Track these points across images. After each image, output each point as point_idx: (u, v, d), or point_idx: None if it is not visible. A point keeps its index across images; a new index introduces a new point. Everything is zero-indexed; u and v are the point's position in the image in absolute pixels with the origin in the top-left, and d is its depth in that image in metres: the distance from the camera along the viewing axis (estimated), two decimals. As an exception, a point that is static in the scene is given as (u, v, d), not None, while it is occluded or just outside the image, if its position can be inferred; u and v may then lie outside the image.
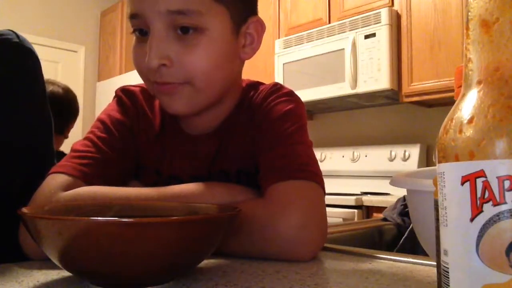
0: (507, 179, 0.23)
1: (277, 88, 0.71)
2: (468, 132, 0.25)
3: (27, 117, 0.72)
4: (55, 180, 0.60)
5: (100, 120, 0.70)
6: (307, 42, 2.65)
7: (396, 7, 2.37)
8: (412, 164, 2.40)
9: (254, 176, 0.65)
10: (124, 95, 0.73)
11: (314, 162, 0.63)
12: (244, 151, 0.68)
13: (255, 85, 0.73)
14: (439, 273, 0.27)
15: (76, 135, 1.65)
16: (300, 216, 0.55)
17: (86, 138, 0.67)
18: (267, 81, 0.75)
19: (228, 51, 0.63)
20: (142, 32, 0.61)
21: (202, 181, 0.63)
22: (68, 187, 0.59)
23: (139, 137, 0.70)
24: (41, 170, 0.66)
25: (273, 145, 0.63)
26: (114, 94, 0.75)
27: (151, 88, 0.64)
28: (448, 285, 0.26)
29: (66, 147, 1.29)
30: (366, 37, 2.38)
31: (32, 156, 0.73)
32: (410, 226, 0.86)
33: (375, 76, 2.32)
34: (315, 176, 0.60)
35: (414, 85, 2.27)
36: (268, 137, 0.65)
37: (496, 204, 0.23)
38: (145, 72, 0.61)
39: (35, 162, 0.73)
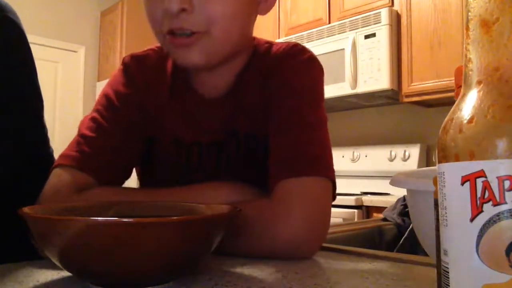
0: (507, 179, 0.23)
1: (297, 50, 0.68)
2: (468, 132, 0.25)
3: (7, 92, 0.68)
4: (64, 177, 0.60)
5: (105, 95, 0.68)
6: (307, 42, 2.64)
7: (396, 7, 2.37)
8: (412, 164, 2.40)
9: (262, 140, 0.65)
10: (132, 63, 0.70)
11: (326, 149, 0.61)
12: (255, 114, 0.67)
13: (267, 43, 0.71)
14: (439, 273, 0.27)
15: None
16: (306, 218, 0.54)
17: (92, 119, 0.66)
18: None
19: (247, 2, 0.62)
20: None
21: (219, 147, 0.64)
22: (78, 185, 0.59)
23: (149, 106, 0.68)
24: (32, 157, 0.64)
25: (285, 127, 0.61)
26: None
27: (163, 42, 0.61)
28: (448, 285, 0.26)
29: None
30: (366, 37, 2.38)
31: (19, 138, 0.69)
32: (410, 226, 0.86)
33: (375, 76, 2.32)
34: (326, 170, 0.59)
35: (414, 85, 2.27)
36: (281, 115, 0.63)
37: (496, 204, 0.23)
38: (160, 20, 0.58)
39: (23, 146, 0.69)
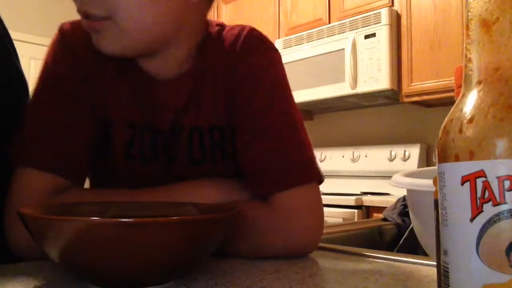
0: (507, 179, 0.23)
1: (256, 44, 0.65)
2: (468, 132, 0.25)
3: None
4: (33, 182, 0.57)
5: (45, 81, 0.62)
6: (307, 42, 2.65)
7: (396, 7, 2.37)
8: (412, 164, 2.40)
9: (228, 133, 0.63)
10: (71, 31, 0.63)
11: (310, 149, 0.62)
12: (218, 104, 0.64)
13: (218, 26, 0.67)
14: (439, 273, 0.27)
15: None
16: (308, 225, 0.58)
17: (38, 107, 0.61)
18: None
19: None
20: None
21: (179, 132, 0.62)
22: (52, 188, 0.57)
23: (93, 81, 0.63)
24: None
25: (261, 132, 0.60)
26: None
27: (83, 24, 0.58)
28: (448, 285, 0.26)
29: None
30: (366, 37, 2.38)
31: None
32: (410, 226, 0.86)
33: (375, 76, 2.32)
34: (314, 173, 0.60)
35: (414, 85, 2.27)
36: (254, 118, 0.61)
37: (496, 204, 0.23)
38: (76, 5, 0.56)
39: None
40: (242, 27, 0.67)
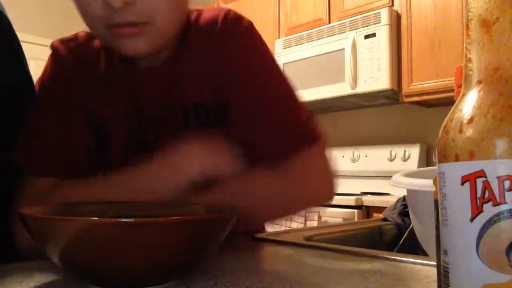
0: (507, 179, 0.23)
1: (233, 26, 0.68)
2: (468, 132, 0.25)
3: None
4: (40, 188, 0.62)
5: (40, 93, 0.68)
6: (307, 42, 2.65)
7: (396, 7, 2.37)
8: (412, 164, 2.40)
9: (214, 111, 0.66)
10: (60, 45, 0.70)
11: (304, 114, 0.67)
12: (202, 82, 0.67)
13: (196, 11, 0.72)
14: (439, 273, 0.27)
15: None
16: (318, 185, 0.66)
17: (37, 119, 0.66)
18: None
19: None
20: None
21: (166, 118, 0.66)
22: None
23: (80, 80, 0.68)
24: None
25: (257, 107, 0.65)
26: None
27: (104, 35, 0.61)
28: (448, 285, 0.26)
29: None
30: (366, 37, 2.38)
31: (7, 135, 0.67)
32: (410, 226, 0.86)
33: (375, 76, 2.32)
34: (315, 134, 0.65)
35: (414, 85, 2.27)
36: (248, 96, 0.65)
37: (496, 204, 0.23)
38: (99, 15, 0.58)
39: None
40: (217, 12, 0.70)
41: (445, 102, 2.27)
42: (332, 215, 2.11)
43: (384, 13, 2.32)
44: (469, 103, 0.26)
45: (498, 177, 0.23)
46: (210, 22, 0.69)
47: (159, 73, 0.68)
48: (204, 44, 0.68)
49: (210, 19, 0.69)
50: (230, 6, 3.24)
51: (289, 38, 2.76)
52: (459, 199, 0.25)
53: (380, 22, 2.33)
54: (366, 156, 2.64)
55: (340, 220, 2.05)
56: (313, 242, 0.70)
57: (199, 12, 0.71)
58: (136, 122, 0.68)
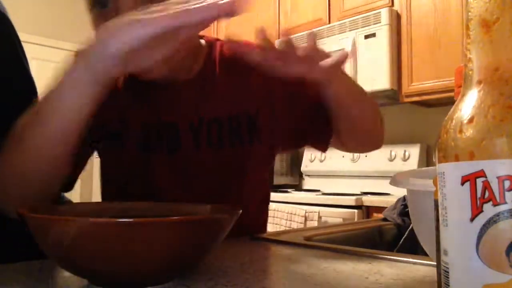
0: (507, 179, 0.23)
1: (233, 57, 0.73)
2: (468, 132, 0.25)
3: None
4: None
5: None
6: (307, 42, 2.64)
7: (396, 7, 2.37)
8: (412, 164, 2.40)
9: (250, 122, 0.71)
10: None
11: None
12: (234, 94, 0.71)
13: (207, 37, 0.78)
14: (439, 273, 0.27)
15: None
16: (381, 127, 0.81)
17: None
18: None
19: None
20: (102, 4, 0.60)
21: (197, 130, 0.69)
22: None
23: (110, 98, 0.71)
24: None
25: (290, 98, 0.76)
26: None
27: None
28: (448, 285, 0.26)
29: None
30: (366, 37, 2.37)
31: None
32: (410, 226, 0.86)
33: (375, 76, 2.32)
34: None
35: (414, 85, 2.27)
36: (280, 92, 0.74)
37: (496, 204, 0.23)
38: None
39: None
40: (213, 42, 0.76)
41: (445, 102, 2.27)
42: (332, 215, 2.11)
43: (384, 13, 2.32)
44: (469, 103, 0.26)
45: (498, 177, 0.23)
46: (213, 50, 0.74)
47: (187, 85, 0.71)
48: (225, 63, 0.73)
49: (211, 47, 0.75)
50: (230, 6, 3.24)
51: (289, 38, 2.76)
52: (459, 199, 0.25)
53: (380, 22, 2.33)
54: (366, 156, 2.64)
55: (340, 220, 2.05)
56: (313, 242, 0.70)
57: (201, 37, 0.75)
58: (158, 125, 0.70)
